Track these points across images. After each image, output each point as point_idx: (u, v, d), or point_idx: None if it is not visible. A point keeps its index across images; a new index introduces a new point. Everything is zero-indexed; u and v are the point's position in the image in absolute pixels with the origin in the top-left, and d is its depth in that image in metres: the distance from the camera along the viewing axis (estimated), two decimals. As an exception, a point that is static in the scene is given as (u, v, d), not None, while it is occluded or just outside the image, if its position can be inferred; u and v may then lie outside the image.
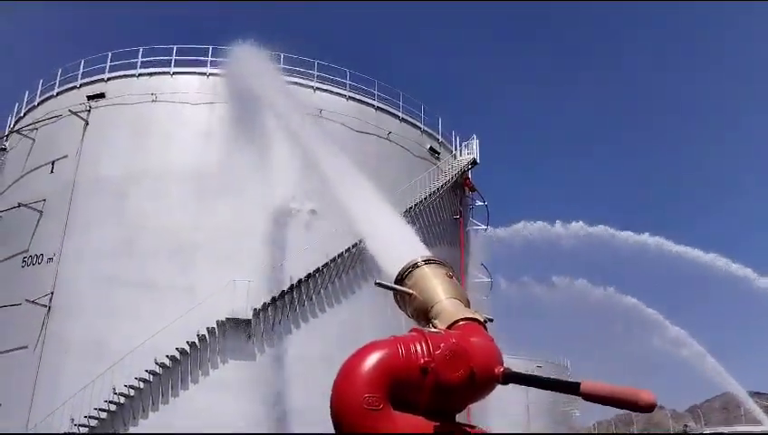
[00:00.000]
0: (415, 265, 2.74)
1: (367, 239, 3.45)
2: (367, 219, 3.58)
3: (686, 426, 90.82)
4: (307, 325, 24.00)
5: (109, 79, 27.62)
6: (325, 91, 28.02)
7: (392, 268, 2.85)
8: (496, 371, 2.28)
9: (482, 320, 2.52)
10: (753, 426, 67.81)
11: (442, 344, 2.19)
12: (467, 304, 2.64)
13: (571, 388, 2.08)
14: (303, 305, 24.13)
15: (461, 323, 2.47)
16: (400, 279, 2.76)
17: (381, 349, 2.21)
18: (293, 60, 27.72)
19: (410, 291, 2.70)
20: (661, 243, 35.15)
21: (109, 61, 27.87)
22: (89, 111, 26.89)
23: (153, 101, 26.38)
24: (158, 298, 22.99)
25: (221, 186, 24.83)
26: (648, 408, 1.97)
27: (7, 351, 23.65)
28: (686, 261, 36.14)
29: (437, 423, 2.18)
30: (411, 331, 2.38)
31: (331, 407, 2.16)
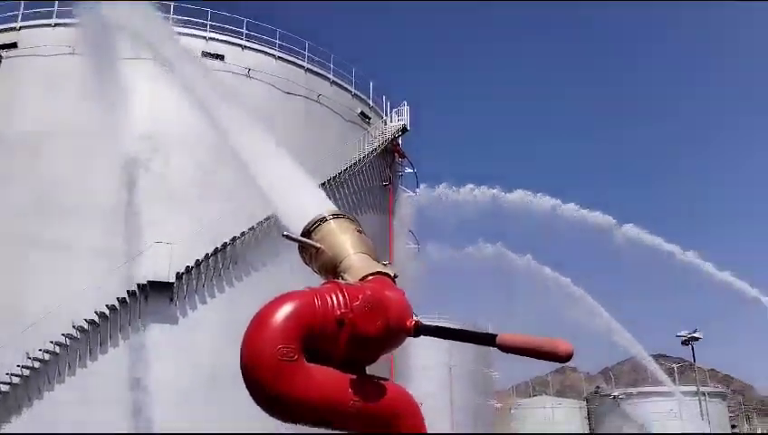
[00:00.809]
0: (322, 220, 2.67)
1: (268, 195, 3.32)
2: (267, 174, 3.46)
3: (597, 387, 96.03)
4: (233, 289, 23.70)
5: (21, 27, 26.00)
6: (253, 50, 27.32)
7: (298, 223, 2.75)
8: (408, 323, 2.26)
9: (392, 274, 2.50)
10: (658, 386, 72.55)
11: (360, 296, 2.15)
12: (376, 259, 2.59)
13: (487, 339, 2.08)
14: (228, 269, 23.78)
15: (371, 277, 2.44)
16: (307, 233, 2.68)
17: (296, 299, 2.14)
18: (222, 17, 26.88)
19: (319, 245, 2.63)
20: (573, 209, 35.97)
21: (22, 8, 26.22)
22: (-1, 60, 25.29)
23: (71, 53, 25.00)
24: (75, 260, 22.14)
25: (143, 146, 23.97)
26: (566, 357, 1.96)
27: None
28: (598, 228, 37.10)
29: (350, 374, 2.16)
30: (326, 283, 2.33)
31: (240, 359, 2.06)
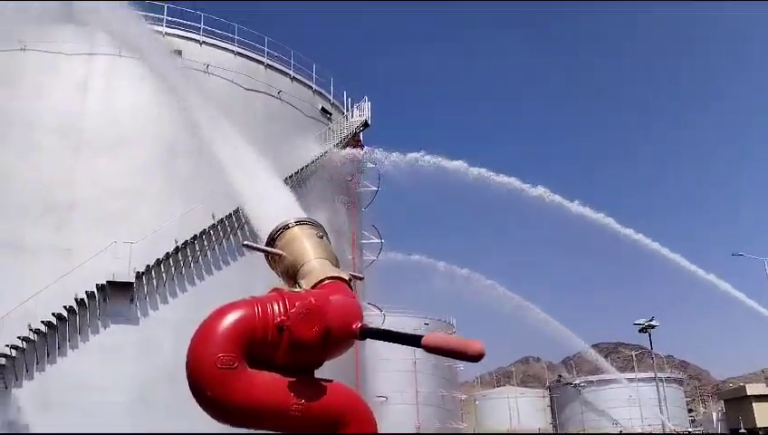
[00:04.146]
0: (285, 227, 2.79)
1: (241, 199, 3.48)
2: (240, 178, 3.59)
3: (560, 376, 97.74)
4: (194, 288, 23.42)
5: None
6: (212, 45, 26.99)
7: (266, 229, 2.89)
8: (354, 326, 2.35)
9: (347, 278, 2.61)
10: (612, 374, 74.53)
11: (297, 303, 2.25)
12: (336, 264, 2.71)
13: (415, 341, 2.17)
14: (190, 268, 23.50)
15: (326, 281, 2.54)
16: (272, 240, 2.81)
17: (237, 309, 2.26)
18: (179, 12, 26.47)
19: (279, 252, 2.76)
20: (523, 188, 35.48)
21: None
22: None
23: (23, 49, 24.35)
24: (29, 260, 21.62)
25: (99, 140, 23.53)
26: (476, 357, 2.07)
27: None
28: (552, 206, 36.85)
29: (293, 378, 2.26)
30: (271, 291, 2.44)
31: (186, 368, 2.20)
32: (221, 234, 24.33)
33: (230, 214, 24.26)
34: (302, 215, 2.90)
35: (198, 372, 2.17)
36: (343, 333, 2.33)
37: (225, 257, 24.42)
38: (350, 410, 2.37)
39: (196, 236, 23.50)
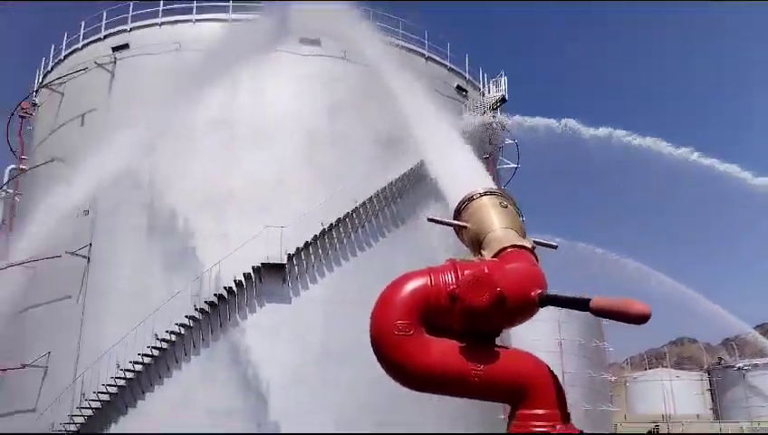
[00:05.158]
0: (471, 198, 2.83)
1: (435, 172, 3.65)
2: (436, 151, 3.77)
3: (720, 358, 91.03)
4: (340, 268, 24.33)
5: (132, 29, 27.49)
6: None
7: (455, 199, 2.97)
8: (532, 294, 2.34)
9: (530, 246, 2.59)
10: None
11: (466, 271, 2.30)
12: (522, 233, 2.69)
13: (584, 304, 2.16)
14: (336, 249, 24.40)
15: (509, 250, 2.54)
16: (458, 212, 2.87)
17: (412, 279, 2.36)
18: None
19: (461, 223, 2.82)
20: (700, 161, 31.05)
21: (131, 10, 27.69)
22: (114, 62, 26.90)
23: (177, 50, 26.24)
24: (193, 247, 23.42)
25: (252, 135, 24.92)
26: (639, 318, 2.02)
27: (53, 301, 24.40)
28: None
29: (471, 345, 2.30)
30: (446, 262, 2.48)
31: (370, 335, 2.32)
32: (363, 217, 25.02)
33: (371, 197, 24.93)
34: (490, 185, 2.90)
35: (379, 339, 2.29)
36: (520, 301, 2.34)
37: (368, 239, 25.12)
38: (534, 379, 2.35)
39: (340, 219, 24.35)
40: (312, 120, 25.59)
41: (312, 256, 24.04)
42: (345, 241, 24.63)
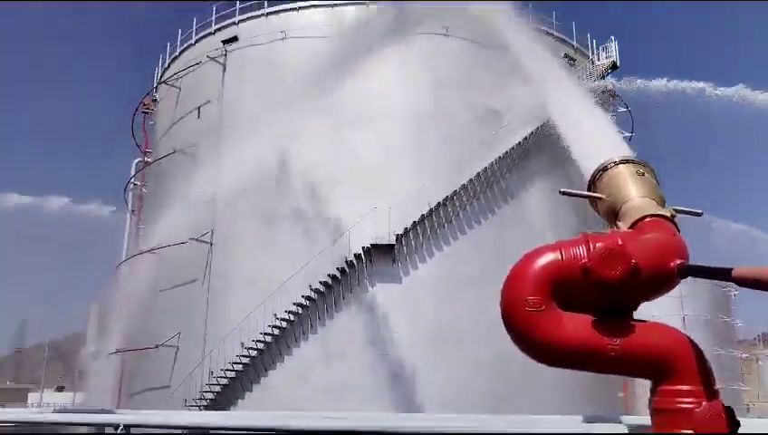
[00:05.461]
0: (604, 168, 2.71)
1: (570, 142, 3.52)
2: (573, 122, 3.64)
3: None
4: (449, 247, 24.30)
5: (240, 21, 28.50)
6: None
7: (591, 169, 2.84)
8: (671, 265, 2.24)
9: (669, 215, 2.48)
10: None
11: (598, 244, 2.23)
12: (661, 202, 2.56)
13: (726, 274, 2.03)
14: (444, 228, 24.38)
15: (647, 220, 2.44)
16: (592, 183, 2.76)
17: (542, 254, 2.31)
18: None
19: (594, 195, 2.70)
20: None
21: (238, 3, 28.70)
22: (225, 54, 28.03)
23: (283, 39, 26.95)
24: (307, 230, 24.17)
25: (359, 118, 25.25)
26: None
27: (181, 284, 26.01)
28: None
29: (605, 319, 2.24)
30: (579, 235, 2.40)
31: (500, 311, 2.31)
32: (471, 194, 24.79)
33: (478, 174, 24.63)
34: (627, 152, 2.76)
35: (510, 315, 2.26)
36: (657, 272, 2.24)
37: (477, 217, 24.89)
38: (676, 352, 2.24)
39: (447, 197, 24.25)
40: (415, 99, 25.56)
41: (421, 236, 24.15)
42: (453, 220, 24.54)
